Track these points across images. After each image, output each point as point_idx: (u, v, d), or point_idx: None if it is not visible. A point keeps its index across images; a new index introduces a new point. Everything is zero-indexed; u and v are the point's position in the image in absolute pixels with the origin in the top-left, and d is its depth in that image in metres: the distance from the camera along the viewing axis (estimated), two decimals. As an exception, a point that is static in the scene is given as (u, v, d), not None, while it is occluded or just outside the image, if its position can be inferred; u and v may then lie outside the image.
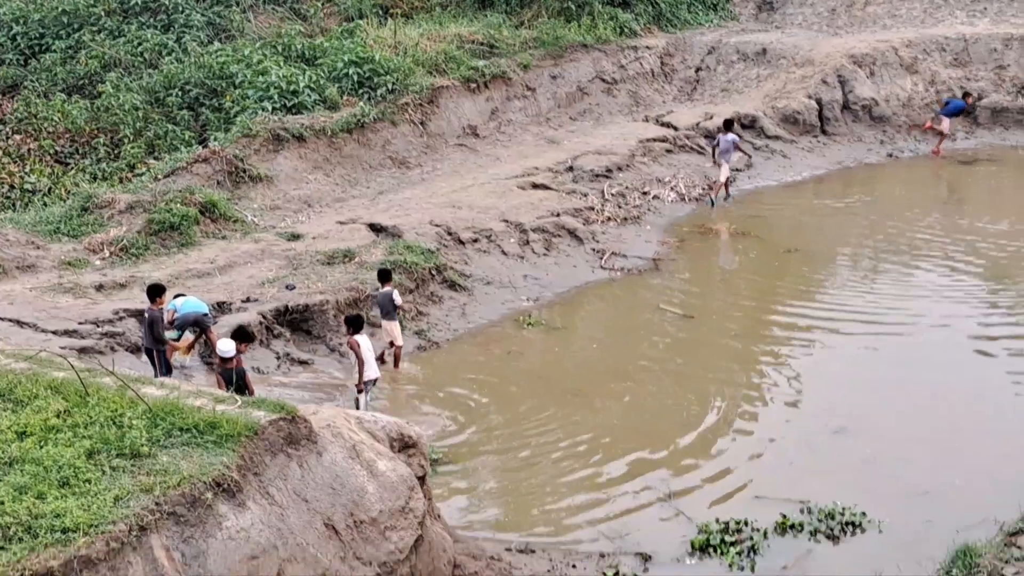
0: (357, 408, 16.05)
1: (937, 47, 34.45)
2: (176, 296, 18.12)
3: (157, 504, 9.21)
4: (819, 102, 32.34)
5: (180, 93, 29.07)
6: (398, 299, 18.79)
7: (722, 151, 27.63)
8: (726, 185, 27.68)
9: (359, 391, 16.70)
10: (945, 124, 31.72)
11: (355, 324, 17.14)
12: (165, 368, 16.83)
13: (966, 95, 32.56)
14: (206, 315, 17.91)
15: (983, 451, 15.63)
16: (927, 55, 34.24)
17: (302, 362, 18.79)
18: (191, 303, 17.87)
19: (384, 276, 18.95)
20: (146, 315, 17.11)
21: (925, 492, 14.57)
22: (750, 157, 29.70)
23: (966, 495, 14.45)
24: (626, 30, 35.05)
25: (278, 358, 18.73)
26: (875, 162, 31.32)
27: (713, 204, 27.36)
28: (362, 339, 16.91)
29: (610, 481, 15.15)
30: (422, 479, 12.01)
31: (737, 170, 29.41)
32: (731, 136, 27.91)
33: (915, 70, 33.80)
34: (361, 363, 16.63)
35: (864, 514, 13.91)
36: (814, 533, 13.73)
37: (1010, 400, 17.32)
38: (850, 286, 22.42)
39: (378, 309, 19.20)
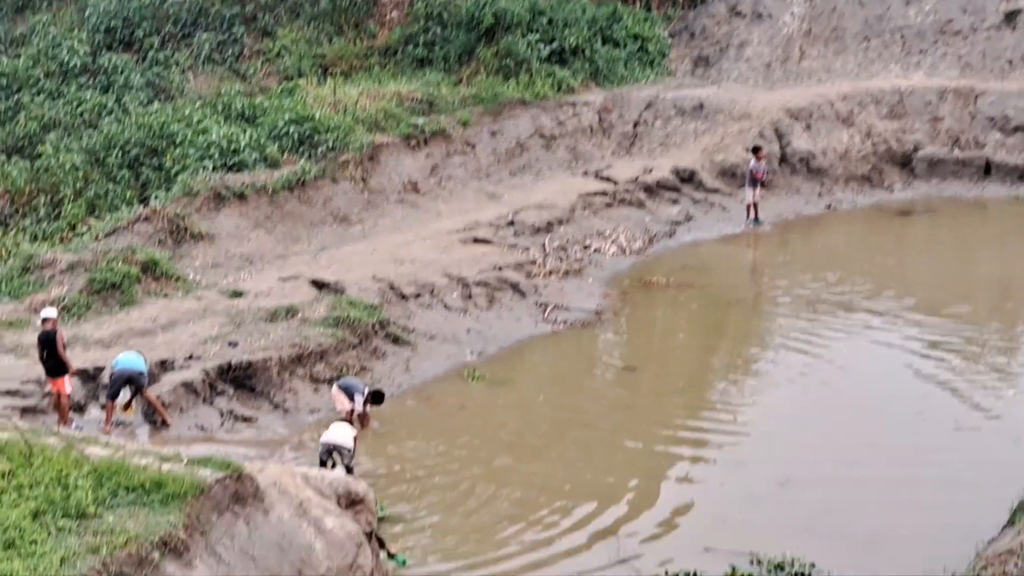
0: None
1: (872, 100, 34.97)
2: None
3: (104, 565, 9.14)
4: (757, 155, 32.69)
5: (120, 153, 28.89)
6: None
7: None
8: (754, 208, 29.96)
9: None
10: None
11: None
12: None
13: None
14: (141, 374, 17.83)
15: (933, 497, 15.79)
16: (863, 108, 34.74)
17: (246, 419, 18.70)
18: (125, 359, 17.84)
19: None
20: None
21: (873, 541, 14.70)
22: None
23: (915, 543, 14.59)
24: (564, 86, 35.30)
25: (221, 415, 18.66)
26: (814, 213, 31.67)
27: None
28: None
29: (558, 537, 15.14)
30: (369, 535, 11.99)
31: (676, 223, 29.68)
32: (752, 162, 29.94)
33: (851, 123, 34.27)
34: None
35: (813, 564, 13.96)
36: (764, 583, 13.82)
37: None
38: (792, 336, 22.64)
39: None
